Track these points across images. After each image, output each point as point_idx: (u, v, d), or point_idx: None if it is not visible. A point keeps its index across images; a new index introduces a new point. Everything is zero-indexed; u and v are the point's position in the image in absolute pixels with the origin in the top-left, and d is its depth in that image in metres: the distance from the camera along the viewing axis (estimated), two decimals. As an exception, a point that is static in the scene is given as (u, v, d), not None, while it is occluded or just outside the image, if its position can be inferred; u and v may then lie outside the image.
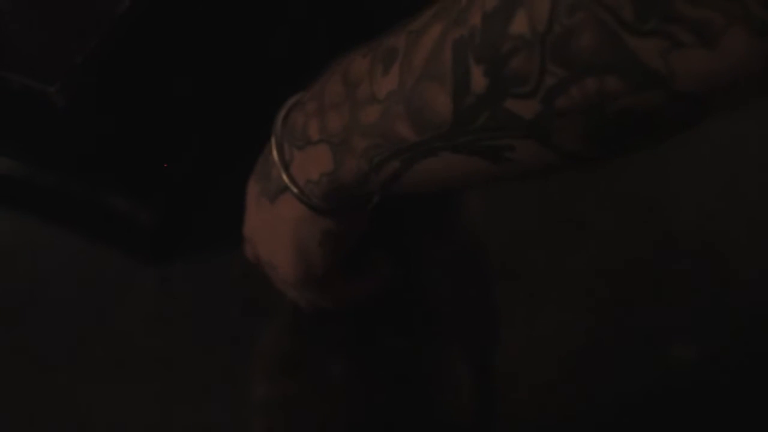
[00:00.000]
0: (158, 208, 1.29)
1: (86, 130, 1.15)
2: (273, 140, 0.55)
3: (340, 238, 0.57)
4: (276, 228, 0.58)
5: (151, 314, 1.30)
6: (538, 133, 0.40)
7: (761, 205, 1.30)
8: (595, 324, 1.22)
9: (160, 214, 1.29)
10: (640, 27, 0.34)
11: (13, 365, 1.28)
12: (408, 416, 0.62)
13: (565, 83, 0.37)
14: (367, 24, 0.80)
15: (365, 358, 0.63)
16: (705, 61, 0.34)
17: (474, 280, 0.70)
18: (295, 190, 0.54)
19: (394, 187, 0.49)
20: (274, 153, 0.55)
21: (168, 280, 1.33)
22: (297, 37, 1.30)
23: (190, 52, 1.23)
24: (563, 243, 1.29)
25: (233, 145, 1.38)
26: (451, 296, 0.67)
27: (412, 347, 0.64)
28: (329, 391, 0.62)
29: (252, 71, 1.34)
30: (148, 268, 1.33)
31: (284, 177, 0.54)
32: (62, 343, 1.29)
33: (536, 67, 0.37)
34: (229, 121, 1.33)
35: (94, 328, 1.30)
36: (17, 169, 1.30)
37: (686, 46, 0.34)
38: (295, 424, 0.63)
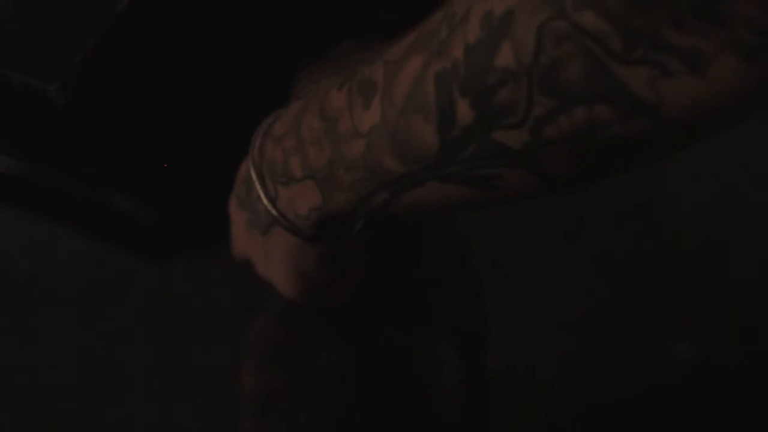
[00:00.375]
0: (158, 207, 1.29)
1: (85, 128, 1.15)
2: (253, 173, 0.54)
3: (338, 258, 0.58)
4: (272, 255, 0.58)
5: (150, 313, 1.30)
6: (526, 162, 0.39)
7: (761, 201, 1.30)
8: (593, 322, 1.22)
9: (160, 213, 1.29)
10: (628, 56, 0.34)
11: (11, 364, 1.28)
12: (399, 411, 0.62)
13: (553, 113, 0.37)
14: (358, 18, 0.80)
15: (358, 352, 0.63)
16: (694, 88, 0.34)
17: (463, 273, 0.70)
18: (285, 224, 0.54)
19: (383, 214, 0.49)
20: (258, 188, 0.54)
21: (167, 278, 1.33)
22: (298, 35, 1.30)
23: (189, 50, 1.23)
24: (560, 240, 1.29)
25: (233, 144, 1.38)
26: (442, 289, 0.67)
27: (405, 342, 0.64)
28: (319, 383, 0.62)
29: (252, 69, 1.33)
30: (147, 267, 1.33)
31: (273, 212, 0.54)
32: (61, 342, 1.29)
33: (524, 99, 0.37)
34: (229, 120, 1.33)
35: (93, 326, 1.30)
36: (16, 168, 1.30)
37: (675, 74, 0.34)
38: (282, 415, 0.63)
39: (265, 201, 0.54)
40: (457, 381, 0.64)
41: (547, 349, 1.19)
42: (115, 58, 1.01)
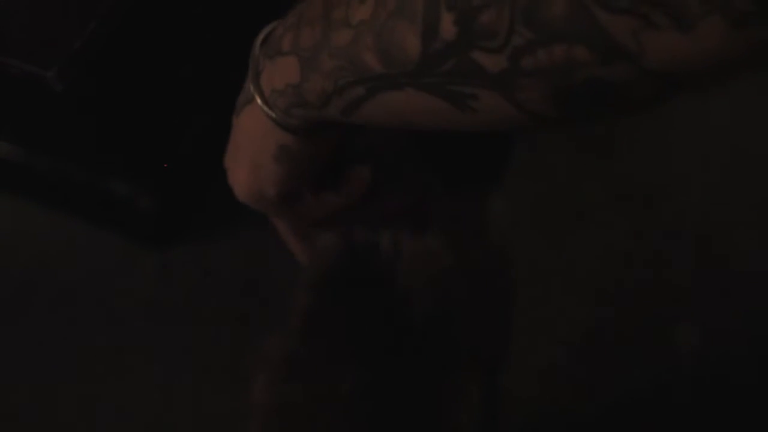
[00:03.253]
0: (158, 193, 1.29)
1: (84, 114, 1.15)
2: (250, 54, 0.55)
3: (296, 158, 0.56)
4: (238, 142, 0.59)
5: (151, 299, 1.30)
6: (502, 88, 0.39)
7: (763, 192, 1.30)
8: (596, 312, 1.22)
9: (160, 199, 1.29)
10: (613, 3, 0.34)
11: (14, 351, 1.29)
12: None
13: (532, 45, 0.37)
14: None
15: (376, 374, 0.62)
16: (677, 44, 0.34)
17: (494, 298, 0.69)
18: (258, 99, 0.54)
19: (355, 115, 0.49)
20: (250, 65, 0.55)
21: (169, 264, 1.33)
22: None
23: (188, 35, 1.22)
24: (563, 232, 1.29)
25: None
26: (471, 316, 0.66)
27: (424, 367, 0.63)
28: (334, 403, 0.61)
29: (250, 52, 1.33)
30: (149, 253, 1.33)
31: (251, 87, 0.54)
32: (63, 328, 1.29)
33: (505, 26, 0.37)
34: (229, 106, 1.33)
35: (95, 313, 1.30)
36: (17, 154, 1.30)
37: (659, 28, 0.33)
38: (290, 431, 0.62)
39: (251, 75, 0.55)
40: (476, 414, 0.63)
41: (549, 338, 1.20)
42: (113, 45, 1.01)
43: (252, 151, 0.57)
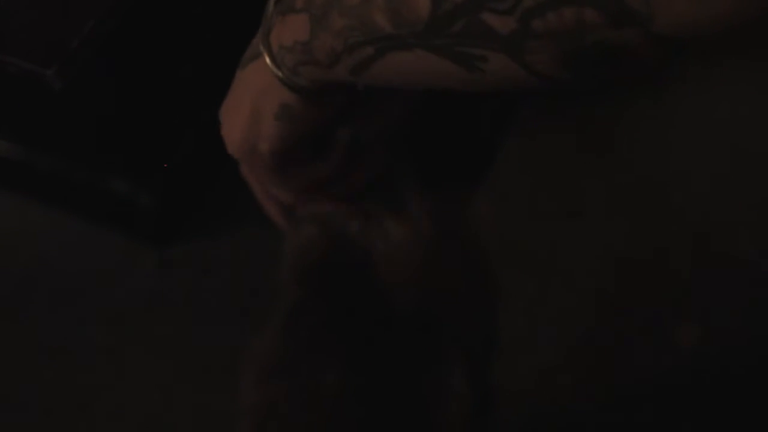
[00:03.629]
0: (158, 191, 1.29)
1: (84, 112, 1.15)
2: (264, 13, 0.55)
3: (297, 118, 0.56)
4: (239, 95, 0.59)
5: (151, 296, 1.30)
6: (511, 50, 0.40)
7: (763, 190, 1.30)
8: (595, 311, 1.22)
9: (160, 197, 1.29)
10: None
11: (14, 347, 1.28)
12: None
13: (542, 7, 0.37)
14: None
15: (362, 370, 0.62)
16: (688, 8, 0.34)
17: (479, 289, 0.69)
18: (267, 57, 0.54)
19: (364, 75, 0.49)
20: (263, 23, 0.55)
21: (168, 262, 1.33)
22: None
23: (188, 34, 1.22)
24: (562, 230, 1.29)
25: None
26: (453, 308, 0.66)
27: (412, 363, 0.63)
28: (320, 400, 0.61)
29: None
30: (148, 251, 1.33)
31: (261, 43, 0.54)
32: (62, 327, 1.29)
33: None
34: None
35: (94, 311, 1.30)
36: (16, 153, 1.30)
37: None
38: (280, 430, 0.62)
39: (261, 32, 0.55)
40: (465, 408, 0.63)
41: (549, 335, 1.19)
42: (112, 43, 1.01)
43: (252, 106, 0.57)
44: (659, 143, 1.35)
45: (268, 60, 0.54)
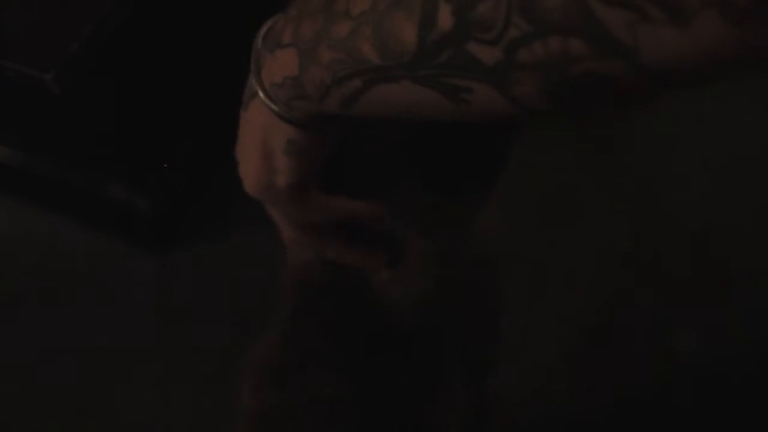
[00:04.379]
0: (156, 196, 1.29)
1: (82, 117, 1.15)
2: (252, 48, 0.55)
3: (306, 151, 0.56)
4: (247, 135, 0.59)
5: (149, 302, 1.30)
6: (497, 81, 0.40)
7: (761, 192, 1.30)
8: (594, 313, 1.22)
9: (159, 202, 1.29)
10: None
11: (12, 353, 1.28)
12: None
13: (528, 38, 0.37)
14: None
15: (361, 380, 0.62)
16: (673, 39, 0.33)
17: (482, 304, 0.69)
18: (261, 93, 0.54)
19: (354, 107, 0.49)
20: (252, 60, 0.55)
21: (166, 267, 1.33)
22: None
23: (184, 38, 1.22)
24: (561, 232, 1.29)
25: (231, 133, 1.37)
26: (457, 322, 0.65)
27: (411, 374, 0.63)
28: (317, 407, 0.61)
29: (248, 56, 1.33)
30: (146, 256, 1.33)
31: (254, 82, 0.54)
32: (61, 331, 1.29)
33: (502, 17, 0.37)
34: (226, 110, 1.33)
35: (93, 316, 1.30)
36: (15, 157, 1.30)
37: (655, 22, 0.33)
38: None
39: (253, 69, 0.55)
40: (464, 419, 0.63)
41: (547, 338, 1.19)
42: (110, 48, 1.01)
43: (261, 145, 0.57)
44: (658, 144, 1.35)
45: (263, 97, 0.54)
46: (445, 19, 0.39)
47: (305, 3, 0.51)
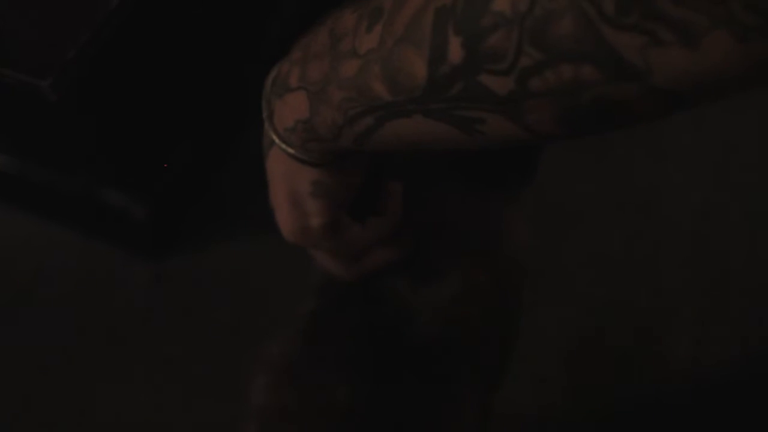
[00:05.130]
0: (153, 203, 1.28)
1: (79, 124, 1.15)
2: (263, 95, 0.56)
3: (332, 189, 0.57)
4: (273, 182, 0.59)
5: (146, 308, 1.30)
6: (509, 110, 0.40)
7: (758, 197, 1.30)
8: (592, 319, 1.22)
9: (155, 209, 1.29)
10: (620, 21, 0.34)
11: (9, 363, 1.28)
12: None
13: (540, 66, 0.37)
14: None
15: (373, 384, 0.62)
16: (684, 60, 0.34)
17: (503, 311, 0.69)
18: (276, 139, 0.54)
19: (368, 144, 0.49)
20: (263, 107, 0.56)
21: (164, 273, 1.32)
22: (289, 34, 1.30)
23: (181, 46, 1.22)
24: (558, 238, 1.29)
25: (227, 141, 1.38)
26: (477, 334, 0.65)
27: (423, 382, 0.63)
28: (329, 409, 0.61)
29: (244, 65, 1.33)
30: (143, 263, 1.33)
31: (269, 127, 0.55)
32: (58, 339, 1.29)
33: (513, 47, 0.37)
34: (222, 117, 1.33)
35: (89, 323, 1.30)
36: (11, 164, 1.30)
37: (666, 44, 0.34)
38: None
39: (265, 116, 0.55)
40: (473, 427, 0.63)
41: (544, 345, 1.19)
42: (107, 55, 1.01)
43: (288, 191, 0.58)
44: (655, 148, 1.36)
45: (279, 143, 0.55)
46: (455, 52, 0.39)
47: (309, 45, 0.51)
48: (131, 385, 1.24)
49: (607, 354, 1.19)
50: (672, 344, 1.19)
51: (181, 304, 1.30)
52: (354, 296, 0.65)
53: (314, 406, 0.62)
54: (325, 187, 0.57)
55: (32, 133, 1.22)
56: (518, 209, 0.68)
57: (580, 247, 1.28)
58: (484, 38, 0.38)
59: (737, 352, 1.18)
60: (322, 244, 0.61)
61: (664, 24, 0.33)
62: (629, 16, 0.34)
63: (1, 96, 1.06)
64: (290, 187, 0.57)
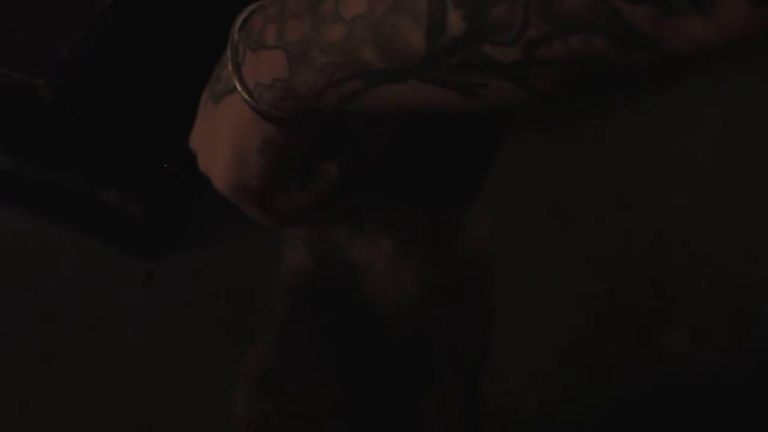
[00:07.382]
0: (148, 201, 1.28)
1: (74, 122, 1.15)
2: (228, 41, 0.53)
3: (281, 150, 0.55)
4: (217, 132, 0.57)
5: (141, 307, 1.30)
6: (514, 77, 0.39)
7: (752, 196, 1.30)
8: (586, 318, 1.22)
9: (150, 207, 1.29)
10: None
11: (4, 358, 1.28)
12: None
13: (548, 37, 0.36)
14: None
15: (351, 387, 0.62)
16: (698, 28, 0.34)
17: (472, 308, 0.69)
18: (243, 92, 0.52)
19: (354, 104, 0.47)
20: (228, 53, 0.53)
21: (158, 273, 1.32)
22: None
23: (176, 43, 1.22)
24: (552, 239, 1.29)
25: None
26: (449, 327, 0.65)
27: (404, 379, 0.63)
28: (309, 413, 0.61)
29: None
30: (138, 261, 1.33)
31: (234, 78, 0.52)
32: (53, 337, 1.29)
33: (519, 19, 0.37)
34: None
35: (84, 321, 1.30)
36: (6, 163, 1.30)
37: (681, 13, 0.34)
38: None
39: (230, 65, 0.53)
40: (457, 422, 0.63)
41: (538, 344, 1.19)
42: (102, 53, 1.01)
43: (234, 143, 0.55)
44: (650, 145, 1.36)
45: (246, 96, 0.52)
46: (455, 24, 0.39)
47: (285, 2, 0.49)
48: (125, 384, 1.24)
49: (601, 350, 1.19)
50: (668, 339, 1.19)
51: (175, 302, 1.30)
52: (323, 296, 0.64)
53: (293, 413, 0.62)
54: (275, 146, 0.54)
55: (27, 132, 1.22)
56: (475, 212, 0.67)
57: (573, 249, 1.28)
58: (487, 10, 0.37)
59: (735, 348, 1.18)
60: (253, 204, 0.59)
61: None
62: None
63: (-4, 94, 1.06)
64: (239, 138, 0.55)
